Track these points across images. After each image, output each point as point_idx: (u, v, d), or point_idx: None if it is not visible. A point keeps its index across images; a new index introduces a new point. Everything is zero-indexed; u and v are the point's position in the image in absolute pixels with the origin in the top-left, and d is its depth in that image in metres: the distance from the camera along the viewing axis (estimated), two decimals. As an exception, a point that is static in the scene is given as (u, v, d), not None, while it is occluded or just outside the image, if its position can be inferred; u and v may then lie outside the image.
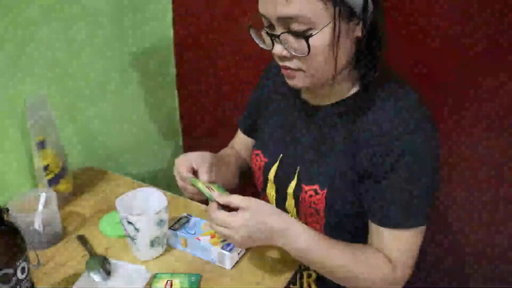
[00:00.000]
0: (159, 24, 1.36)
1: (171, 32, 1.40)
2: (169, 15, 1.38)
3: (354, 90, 0.82)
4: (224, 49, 1.32)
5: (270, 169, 0.92)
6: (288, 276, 0.83)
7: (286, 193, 0.89)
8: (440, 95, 1.00)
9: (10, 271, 0.66)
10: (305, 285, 0.94)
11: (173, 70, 1.46)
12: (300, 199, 0.86)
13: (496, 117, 0.96)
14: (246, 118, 1.07)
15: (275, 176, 0.91)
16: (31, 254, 0.77)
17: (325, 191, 0.82)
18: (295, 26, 0.70)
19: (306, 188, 0.84)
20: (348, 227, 0.85)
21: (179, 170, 0.85)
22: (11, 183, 1.04)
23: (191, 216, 0.95)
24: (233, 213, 0.75)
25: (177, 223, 0.92)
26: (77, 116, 1.19)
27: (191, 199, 0.92)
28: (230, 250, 0.84)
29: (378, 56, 0.77)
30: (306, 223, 0.85)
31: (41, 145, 1.00)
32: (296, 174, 0.87)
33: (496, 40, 0.91)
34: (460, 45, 0.94)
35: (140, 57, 1.33)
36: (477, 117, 0.98)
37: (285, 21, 0.71)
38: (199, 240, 0.87)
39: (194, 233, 0.89)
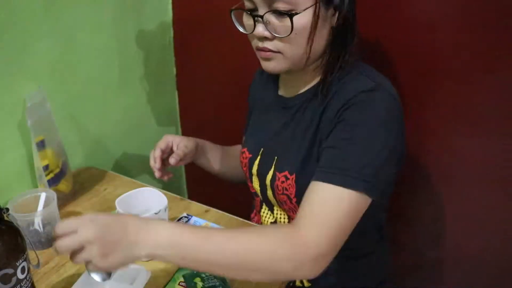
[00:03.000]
0: (159, 24, 1.36)
1: (171, 32, 1.41)
2: (169, 15, 1.38)
3: (320, 78, 0.83)
4: (224, 49, 1.32)
5: (253, 163, 0.94)
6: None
7: (266, 184, 0.91)
8: (440, 95, 1.00)
9: (10, 271, 0.66)
10: (297, 282, 0.94)
11: (173, 70, 1.46)
12: (275, 187, 0.88)
13: (496, 118, 0.96)
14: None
15: (257, 170, 0.93)
16: (31, 254, 0.76)
17: (293, 176, 0.83)
18: (280, 6, 0.73)
19: (279, 175, 0.86)
20: None
21: (159, 144, 0.98)
22: (11, 183, 1.04)
23: (191, 216, 0.95)
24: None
25: (177, 223, 0.92)
26: (77, 116, 1.19)
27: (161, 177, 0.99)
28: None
29: (347, 47, 0.79)
30: (284, 212, 0.90)
31: (41, 145, 1.00)
32: (273, 164, 0.89)
33: (496, 38, 0.91)
34: (459, 43, 0.94)
35: (140, 57, 1.33)
36: (476, 117, 0.98)
37: (270, 0, 0.73)
38: (199, 240, 0.87)
39: (194, 233, 0.89)
